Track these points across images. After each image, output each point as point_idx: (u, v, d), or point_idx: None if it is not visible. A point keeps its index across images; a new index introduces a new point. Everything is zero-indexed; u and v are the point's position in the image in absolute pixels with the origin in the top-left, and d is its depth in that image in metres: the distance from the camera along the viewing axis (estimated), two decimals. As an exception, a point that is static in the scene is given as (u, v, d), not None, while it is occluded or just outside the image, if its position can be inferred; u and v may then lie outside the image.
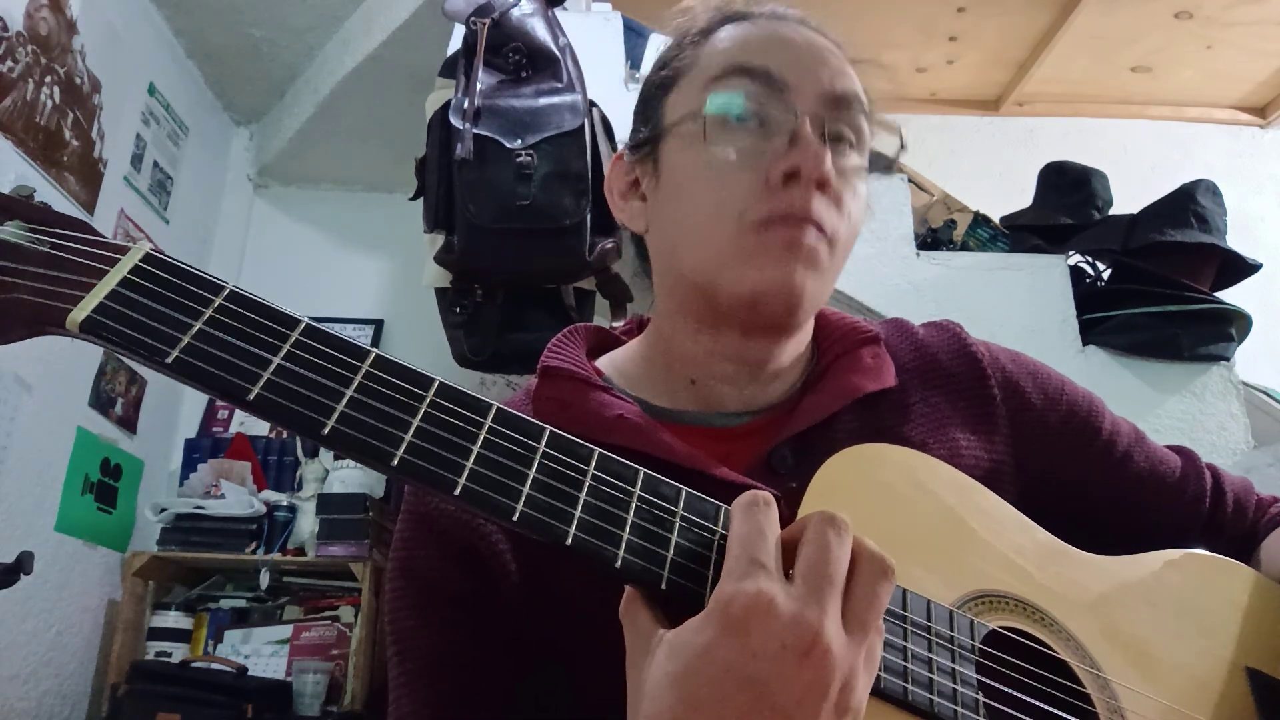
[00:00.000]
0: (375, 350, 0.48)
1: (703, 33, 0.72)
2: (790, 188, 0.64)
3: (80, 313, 0.45)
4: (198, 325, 0.46)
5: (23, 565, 1.53)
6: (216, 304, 0.47)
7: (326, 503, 2.38)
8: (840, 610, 0.44)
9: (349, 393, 0.46)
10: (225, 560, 2.39)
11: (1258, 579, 0.73)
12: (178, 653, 2.32)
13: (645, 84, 0.75)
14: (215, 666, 2.23)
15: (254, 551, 2.37)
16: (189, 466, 2.57)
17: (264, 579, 2.36)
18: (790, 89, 0.66)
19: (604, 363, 0.76)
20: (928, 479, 0.63)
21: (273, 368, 0.46)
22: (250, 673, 2.22)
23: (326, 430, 0.45)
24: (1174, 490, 0.80)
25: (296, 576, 2.45)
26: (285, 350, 0.46)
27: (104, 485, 2.34)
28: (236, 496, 2.42)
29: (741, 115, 0.66)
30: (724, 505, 0.50)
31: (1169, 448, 0.84)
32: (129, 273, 0.47)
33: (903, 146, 0.73)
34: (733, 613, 0.43)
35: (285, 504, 2.46)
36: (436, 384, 0.48)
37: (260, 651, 2.35)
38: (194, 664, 2.25)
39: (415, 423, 0.46)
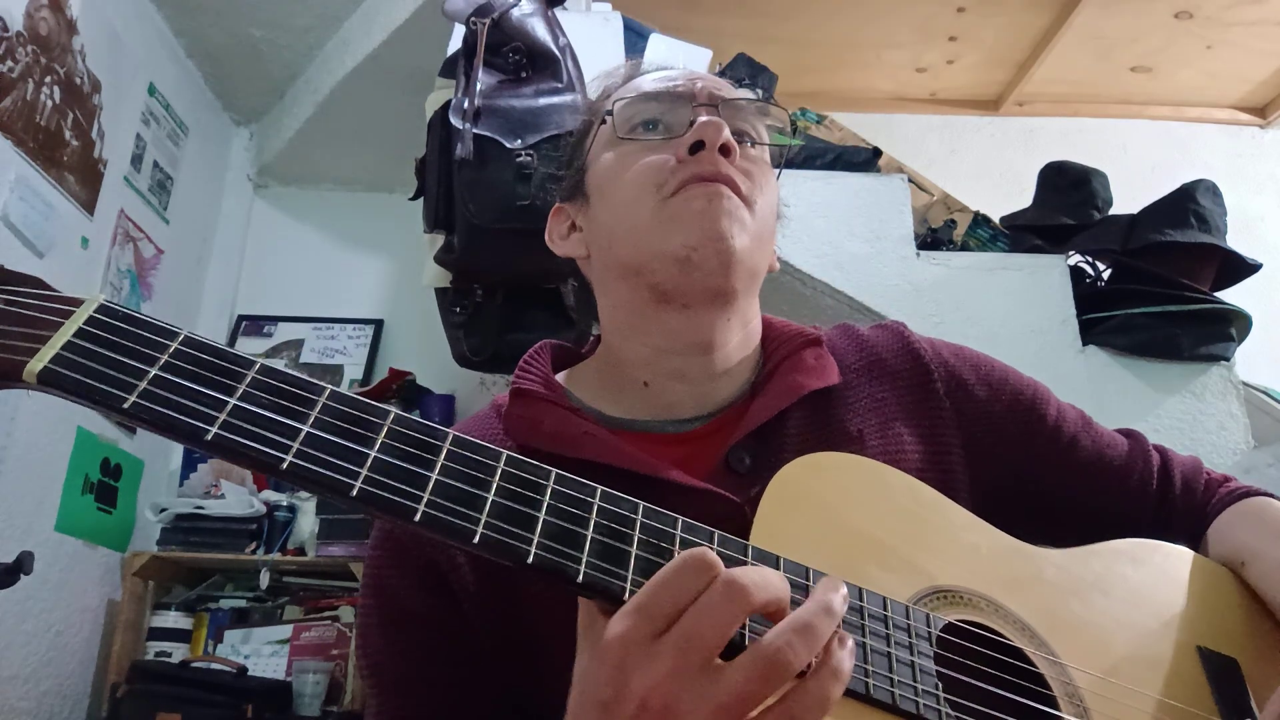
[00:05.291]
0: (330, 386, 0.49)
1: (609, 91, 0.82)
2: (698, 155, 0.71)
3: (37, 364, 0.45)
4: (153, 371, 0.47)
5: (23, 565, 1.53)
6: (172, 349, 0.48)
7: (326, 502, 2.38)
8: (687, 659, 0.44)
9: (305, 429, 0.47)
10: (225, 560, 2.39)
11: (1205, 564, 0.76)
12: (178, 653, 2.32)
13: (567, 147, 0.85)
14: (215, 666, 2.23)
15: (254, 551, 2.37)
16: (189, 466, 2.57)
17: (264, 579, 2.36)
18: (686, 98, 0.76)
19: (564, 378, 0.80)
20: (881, 484, 0.65)
21: (229, 409, 0.47)
22: (250, 673, 2.21)
23: (284, 466, 0.46)
24: (1121, 472, 0.82)
25: (296, 576, 2.45)
26: (241, 390, 0.48)
27: (104, 485, 2.34)
28: (236, 496, 2.42)
29: (647, 120, 0.76)
30: (680, 516, 0.52)
31: (1118, 431, 0.86)
32: (84, 324, 0.47)
33: (794, 130, 0.81)
34: (604, 644, 0.46)
35: (285, 504, 2.46)
36: (392, 415, 0.49)
37: (260, 651, 2.35)
38: (194, 664, 2.25)
39: (372, 454, 0.48)
